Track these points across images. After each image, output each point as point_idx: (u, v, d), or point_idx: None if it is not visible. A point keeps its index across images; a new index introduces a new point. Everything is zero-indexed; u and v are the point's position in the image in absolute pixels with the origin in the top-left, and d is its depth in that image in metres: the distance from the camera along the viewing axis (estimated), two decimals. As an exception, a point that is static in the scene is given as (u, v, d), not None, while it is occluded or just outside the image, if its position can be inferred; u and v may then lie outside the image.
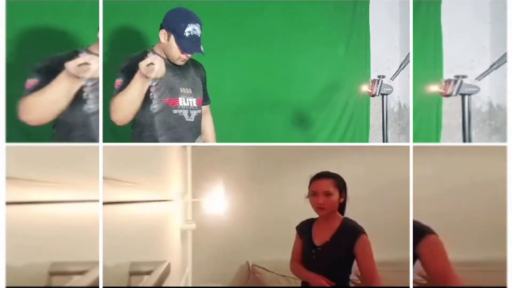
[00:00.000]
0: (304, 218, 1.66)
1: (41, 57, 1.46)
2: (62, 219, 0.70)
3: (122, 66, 1.53)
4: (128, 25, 2.18)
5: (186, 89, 1.64)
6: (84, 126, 1.52)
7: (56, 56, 1.46)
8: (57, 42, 2.03)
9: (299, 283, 1.63)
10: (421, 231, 1.30)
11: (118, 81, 1.50)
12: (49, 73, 1.34)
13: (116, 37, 2.14)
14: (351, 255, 1.47)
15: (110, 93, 1.48)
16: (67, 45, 1.99)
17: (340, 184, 1.57)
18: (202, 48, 1.57)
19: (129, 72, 1.49)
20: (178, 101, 1.61)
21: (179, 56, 1.58)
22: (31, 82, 1.36)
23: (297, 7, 2.49)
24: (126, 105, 1.45)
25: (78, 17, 2.02)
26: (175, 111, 1.60)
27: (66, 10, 2.05)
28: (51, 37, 2.03)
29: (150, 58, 1.38)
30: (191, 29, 1.53)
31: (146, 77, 1.40)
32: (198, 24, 1.55)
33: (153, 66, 1.37)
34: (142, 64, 1.37)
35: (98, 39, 1.54)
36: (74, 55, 1.47)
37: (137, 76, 1.41)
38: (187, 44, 1.54)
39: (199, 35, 1.56)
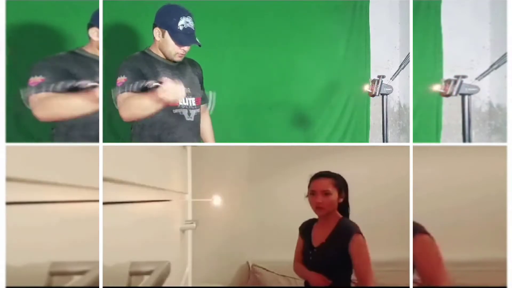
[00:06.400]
0: (304, 218, 1.66)
1: (33, 56, 1.48)
2: (62, 219, 0.70)
3: (122, 65, 1.53)
4: (123, 24, 2.18)
5: (185, 88, 1.64)
6: (83, 126, 1.54)
7: (57, 57, 1.51)
8: (48, 41, 2.04)
9: (299, 283, 1.62)
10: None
11: (122, 79, 1.50)
12: (54, 71, 1.44)
13: (111, 36, 2.13)
14: (347, 255, 1.45)
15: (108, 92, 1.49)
16: (58, 44, 2.01)
17: (339, 183, 1.56)
18: (197, 40, 1.57)
19: (133, 70, 1.50)
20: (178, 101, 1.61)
21: (176, 52, 1.57)
22: (37, 79, 1.41)
23: (297, 7, 2.49)
24: (139, 111, 1.45)
25: (70, 16, 2.03)
26: (175, 111, 1.61)
27: (57, 9, 2.06)
28: (42, 36, 2.04)
29: (165, 84, 1.36)
30: (184, 22, 1.54)
31: (163, 102, 1.39)
32: (189, 17, 1.56)
33: (169, 92, 1.36)
34: (159, 91, 1.36)
35: (89, 38, 1.56)
36: (70, 56, 1.53)
37: (153, 97, 1.40)
38: (183, 37, 1.54)
39: (192, 28, 1.56)
